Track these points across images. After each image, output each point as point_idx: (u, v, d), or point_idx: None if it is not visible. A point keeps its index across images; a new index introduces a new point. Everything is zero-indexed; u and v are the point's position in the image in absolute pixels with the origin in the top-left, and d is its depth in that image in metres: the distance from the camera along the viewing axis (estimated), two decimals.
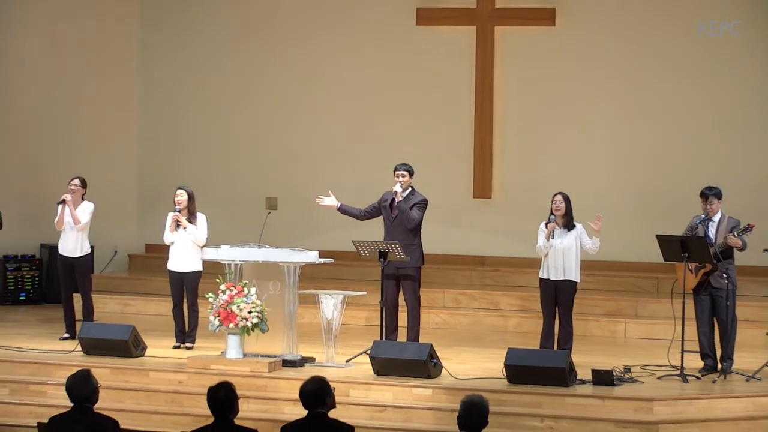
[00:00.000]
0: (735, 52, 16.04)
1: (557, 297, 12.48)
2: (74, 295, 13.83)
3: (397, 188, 12.76)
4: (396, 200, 12.78)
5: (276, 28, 17.58)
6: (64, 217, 13.49)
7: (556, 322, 12.53)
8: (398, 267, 12.65)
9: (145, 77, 18.11)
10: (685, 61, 16.25)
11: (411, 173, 12.86)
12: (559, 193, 12.55)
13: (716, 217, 12.08)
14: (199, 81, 17.90)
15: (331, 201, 13.07)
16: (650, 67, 16.39)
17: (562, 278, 12.43)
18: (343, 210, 13.09)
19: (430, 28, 17.03)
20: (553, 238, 12.41)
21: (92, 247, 13.86)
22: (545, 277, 12.52)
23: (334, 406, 8.35)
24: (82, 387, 8.37)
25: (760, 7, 15.94)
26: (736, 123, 16.16)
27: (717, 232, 12.00)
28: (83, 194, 13.66)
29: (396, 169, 12.86)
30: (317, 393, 8.26)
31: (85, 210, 13.60)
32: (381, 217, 13.00)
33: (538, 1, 16.65)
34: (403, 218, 12.72)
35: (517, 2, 16.73)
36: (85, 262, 13.74)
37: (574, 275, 12.45)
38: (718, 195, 12.11)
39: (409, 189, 12.84)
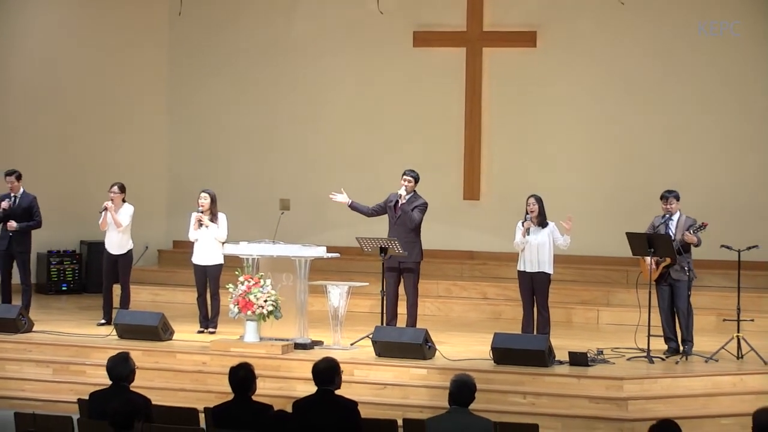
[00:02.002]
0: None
1: (534, 287, 12.48)
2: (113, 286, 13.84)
3: (402, 191, 12.77)
4: (400, 202, 12.79)
5: (291, 49, 17.58)
6: (107, 221, 13.49)
7: (535, 309, 12.54)
8: (400, 261, 12.64)
9: (174, 92, 18.11)
10: (657, 71, 16.27)
11: (416, 179, 12.86)
12: (532, 195, 12.55)
13: (675, 216, 12.12)
14: (222, 95, 17.89)
15: (343, 198, 13.07)
16: (618, 84, 16.38)
17: (537, 270, 12.42)
18: (353, 206, 13.09)
19: (426, 49, 17.03)
20: (528, 234, 12.42)
21: (132, 244, 13.85)
22: (522, 269, 12.52)
23: (339, 387, 8.34)
24: (121, 368, 8.39)
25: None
26: (699, 130, 16.16)
27: (676, 229, 12.04)
28: (123, 198, 13.64)
29: (404, 174, 12.87)
30: (327, 371, 8.25)
31: (126, 212, 13.58)
32: (385, 216, 13.02)
33: (521, 25, 16.65)
34: (405, 218, 12.72)
35: (503, 26, 16.73)
36: (127, 258, 13.72)
37: (548, 267, 12.44)
38: (677, 197, 12.18)
39: (413, 192, 12.84)
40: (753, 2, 15.88)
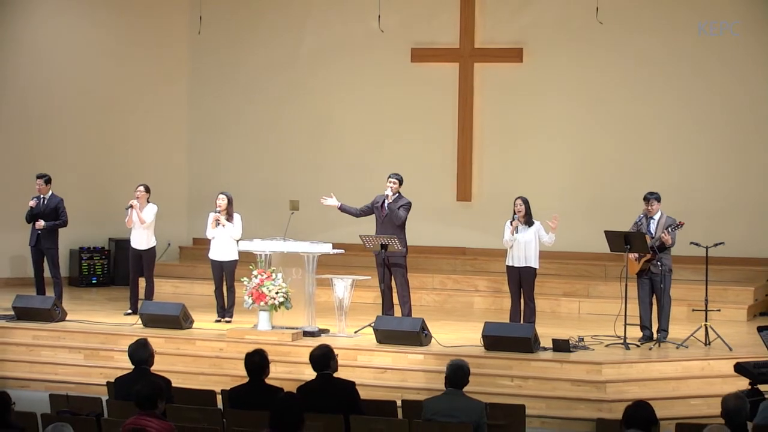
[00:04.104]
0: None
1: (521, 280, 12.46)
2: (138, 279, 13.83)
3: (388, 192, 12.78)
4: (386, 202, 12.79)
5: (300, 64, 17.57)
6: (132, 219, 13.50)
7: (522, 300, 12.51)
8: (388, 256, 12.62)
9: (194, 103, 18.10)
10: (636, 81, 16.25)
11: (400, 182, 12.85)
12: (519, 197, 12.54)
13: (656, 216, 12.09)
14: (238, 105, 17.89)
15: (333, 201, 13.07)
16: (596, 95, 16.36)
17: (524, 265, 12.41)
18: (342, 209, 13.08)
19: (422, 64, 17.02)
20: (517, 233, 12.40)
21: (156, 241, 13.86)
22: (510, 264, 12.50)
23: (337, 369, 8.33)
24: (141, 352, 8.38)
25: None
26: (672, 136, 16.11)
27: (657, 227, 12.01)
28: (148, 198, 13.64)
29: (389, 177, 12.87)
30: (322, 357, 8.25)
31: (150, 211, 13.58)
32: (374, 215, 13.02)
33: (509, 42, 16.63)
34: (392, 216, 12.71)
35: (492, 44, 16.71)
36: (151, 253, 13.71)
37: (534, 262, 12.42)
38: (658, 198, 12.13)
39: (397, 194, 12.84)
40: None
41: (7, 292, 14.33)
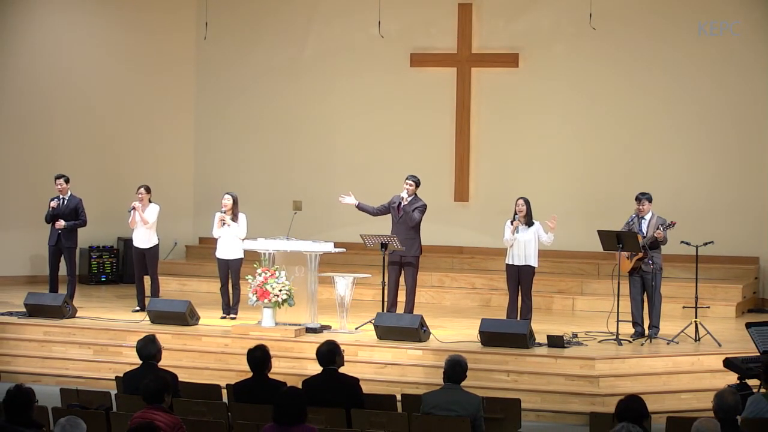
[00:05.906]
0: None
1: (520, 278, 12.44)
2: (144, 277, 13.81)
3: (404, 194, 12.73)
4: (402, 203, 12.75)
5: (303, 69, 17.54)
6: (135, 219, 13.50)
7: (519, 297, 12.50)
8: (401, 255, 12.60)
9: (200, 107, 18.07)
10: (624, 85, 16.24)
11: (417, 184, 12.81)
12: (521, 197, 12.53)
13: (648, 216, 12.07)
14: (243, 108, 17.87)
15: (351, 200, 13.04)
16: (589, 98, 16.33)
17: (523, 263, 12.40)
18: (360, 207, 13.05)
19: (421, 69, 17.00)
20: (517, 232, 12.39)
21: (158, 239, 13.87)
22: (510, 262, 12.49)
23: (343, 364, 8.33)
24: (149, 348, 8.38)
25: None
26: (669, 136, 16.09)
27: (648, 227, 12.00)
28: (149, 198, 13.64)
29: (406, 179, 12.83)
30: (329, 353, 8.25)
31: (152, 211, 13.59)
32: (388, 216, 12.99)
33: (505, 48, 16.61)
34: (407, 218, 12.67)
35: (489, 49, 16.70)
36: (153, 252, 13.71)
37: (533, 261, 12.42)
38: (650, 199, 12.12)
39: (414, 195, 12.80)
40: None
41: (27, 290, 14.25)
